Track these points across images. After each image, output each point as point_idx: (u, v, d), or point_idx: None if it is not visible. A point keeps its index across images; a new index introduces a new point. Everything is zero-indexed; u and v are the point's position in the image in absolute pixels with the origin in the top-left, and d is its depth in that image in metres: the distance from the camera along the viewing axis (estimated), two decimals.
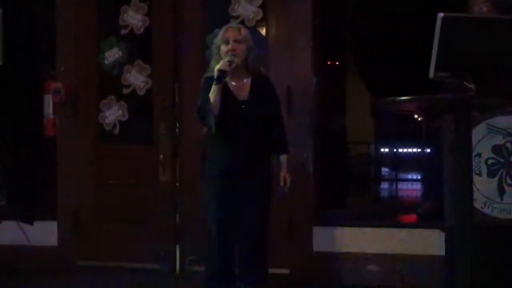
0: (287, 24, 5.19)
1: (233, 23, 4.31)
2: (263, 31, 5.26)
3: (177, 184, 5.39)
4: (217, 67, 3.87)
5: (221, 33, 4.09)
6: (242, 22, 5.17)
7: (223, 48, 4.00)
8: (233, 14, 5.23)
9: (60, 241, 5.55)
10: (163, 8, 5.40)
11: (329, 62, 6.87)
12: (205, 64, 5.19)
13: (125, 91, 5.50)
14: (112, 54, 5.53)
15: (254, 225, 4.09)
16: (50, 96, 5.54)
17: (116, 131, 5.54)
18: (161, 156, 5.34)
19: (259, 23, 5.24)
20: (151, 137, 5.45)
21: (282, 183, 4.20)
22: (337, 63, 7.39)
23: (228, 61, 3.90)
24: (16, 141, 5.89)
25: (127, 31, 5.49)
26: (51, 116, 5.56)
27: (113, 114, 5.52)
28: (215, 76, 3.86)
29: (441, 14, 2.73)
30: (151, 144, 5.43)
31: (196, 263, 5.25)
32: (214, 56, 4.08)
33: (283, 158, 4.22)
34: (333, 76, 6.89)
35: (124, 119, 5.53)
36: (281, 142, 4.22)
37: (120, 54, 5.52)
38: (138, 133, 5.69)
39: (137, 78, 5.46)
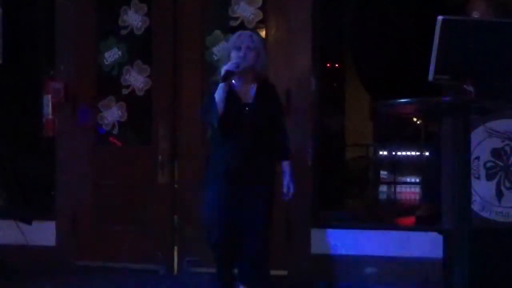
0: (286, 26, 5.19)
1: (247, 30, 4.37)
2: (262, 33, 5.26)
3: (176, 185, 5.39)
4: (225, 67, 3.97)
5: (233, 39, 4.19)
6: (242, 24, 5.18)
7: (234, 53, 4.10)
8: (233, 15, 5.23)
9: (58, 241, 5.54)
10: (163, 9, 5.40)
11: (328, 65, 6.87)
12: (205, 65, 5.23)
13: (125, 91, 5.50)
14: (112, 55, 5.52)
15: (257, 225, 4.14)
16: (49, 96, 5.54)
17: (115, 131, 5.53)
18: (160, 157, 5.34)
19: (259, 24, 5.24)
20: (150, 138, 5.45)
21: (285, 190, 4.26)
22: (336, 65, 7.39)
23: (236, 62, 3.99)
24: (15, 141, 5.89)
25: (127, 31, 5.49)
26: (50, 116, 5.56)
27: (112, 114, 5.52)
28: (221, 76, 3.96)
29: (440, 17, 2.73)
30: (150, 145, 5.42)
31: (194, 265, 5.25)
32: (224, 60, 4.18)
33: (286, 165, 4.27)
34: (332, 78, 6.90)
35: (123, 119, 5.53)
36: (283, 148, 4.29)
37: (120, 54, 5.51)
38: (137, 134, 5.69)
39: (136, 79, 5.46)
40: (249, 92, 4.17)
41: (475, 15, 4.13)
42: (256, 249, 4.16)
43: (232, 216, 4.14)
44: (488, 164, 3.96)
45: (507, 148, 3.96)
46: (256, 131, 4.12)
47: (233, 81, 4.10)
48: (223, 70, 3.98)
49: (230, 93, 4.05)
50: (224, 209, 4.15)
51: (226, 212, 4.15)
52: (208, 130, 4.53)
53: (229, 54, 4.16)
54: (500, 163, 3.96)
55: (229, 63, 4.02)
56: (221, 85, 3.99)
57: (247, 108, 4.12)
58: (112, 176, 5.48)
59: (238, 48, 4.10)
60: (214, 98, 4.01)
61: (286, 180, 4.27)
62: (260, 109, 4.14)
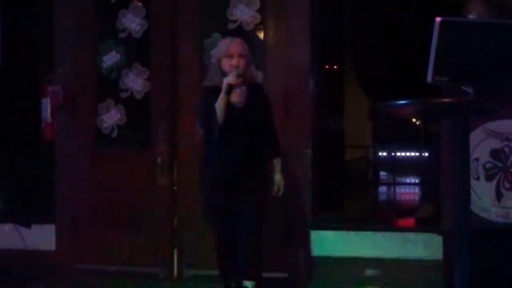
0: (285, 28, 5.19)
1: (236, 38, 4.45)
2: (261, 35, 5.27)
3: (175, 188, 5.38)
4: (227, 80, 4.12)
5: (224, 46, 4.30)
6: (240, 26, 5.18)
7: (227, 61, 4.22)
8: (231, 18, 5.23)
9: (58, 245, 5.53)
10: (162, 11, 5.40)
11: (327, 66, 6.87)
12: (203, 68, 5.23)
13: (123, 94, 5.50)
14: (110, 58, 5.52)
15: (251, 224, 4.28)
16: (48, 99, 5.53)
17: (114, 134, 5.53)
18: (159, 159, 5.34)
19: (257, 27, 5.25)
20: (149, 140, 5.44)
21: (276, 188, 4.43)
22: (335, 66, 7.39)
23: (237, 75, 4.14)
24: (14, 145, 5.89)
25: (125, 34, 5.49)
26: (49, 120, 5.55)
27: (111, 117, 5.51)
28: (225, 89, 4.11)
29: (438, 18, 2.73)
30: (149, 148, 5.42)
31: (194, 267, 5.25)
32: (214, 67, 4.33)
33: (277, 162, 4.44)
34: (331, 79, 6.89)
35: (122, 122, 5.52)
36: (274, 146, 4.45)
37: (118, 57, 5.51)
38: (136, 137, 5.68)
39: (135, 82, 5.46)
40: (240, 96, 4.29)
41: (472, 16, 4.13)
42: (250, 248, 4.29)
43: (230, 217, 4.31)
44: (488, 165, 3.97)
45: (506, 149, 3.96)
46: (249, 133, 4.25)
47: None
48: (224, 82, 4.12)
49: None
50: (223, 211, 4.32)
51: (224, 213, 4.32)
52: (199, 131, 4.64)
53: (219, 60, 4.28)
54: (499, 164, 3.96)
55: (229, 76, 4.14)
56: (222, 96, 4.12)
57: (239, 113, 4.24)
58: (111, 179, 5.47)
59: (231, 56, 4.22)
60: (212, 108, 4.13)
61: (278, 176, 4.43)
62: (253, 112, 4.27)
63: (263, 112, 4.36)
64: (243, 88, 4.30)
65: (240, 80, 4.17)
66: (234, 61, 4.20)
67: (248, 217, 4.27)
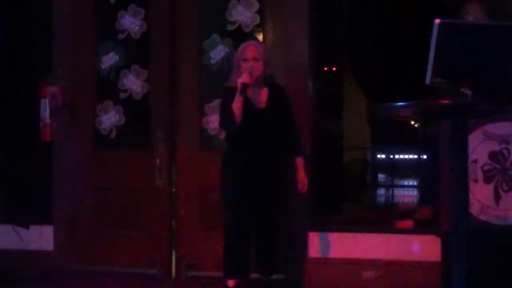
0: (284, 29, 5.19)
1: (252, 41, 4.66)
2: (260, 36, 5.27)
3: (173, 189, 5.38)
4: (240, 80, 4.29)
5: (240, 50, 4.49)
6: (239, 28, 5.18)
7: (243, 64, 4.41)
8: (230, 19, 5.23)
9: (56, 246, 5.53)
10: (160, 13, 5.40)
11: (326, 68, 6.87)
12: (202, 69, 5.24)
13: (122, 95, 5.49)
14: (109, 59, 5.52)
15: (269, 219, 4.52)
16: (47, 100, 5.53)
17: (113, 135, 5.52)
18: (158, 161, 5.33)
19: (256, 28, 5.25)
20: (148, 142, 5.44)
21: (300, 186, 4.58)
22: (334, 68, 7.39)
23: (249, 74, 4.30)
24: (12, 146, 5.88)
25: (124, 35, 5.48)
26: (48, 121, 5.54)
27: (110, 118, 5.51)
28: (239, 89, 4.27)
29: (437, 20, 2.73)
30: (148, 149, 5.42)
31: (192, 268, 5.25)
32: (235, 70, 4.49)
33: (300, 160, 4.59)
34: (330, 81, 6.89)
35: (120, 123, 5.52)
36: (295, 145, 4.61)
37: (117, 58, 5.51)
38: (134, 138, 5.68)
39: (134, 83, 5.46)
40: (260, 97, 4.46)
41: (469, 18, 4.13)
42: (269, 245, 4.57)
43: (244, 216, 4.46)
44: (486, 167, 3.97)
45: (505, 151, 3.96)
46: (269, 133, 4.43)
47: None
48: (239, 83, 4.27)
49: (245, 100, 4.32)
50: (238, 208, 4.44)
51: (239, 211, 4.44)
52: (220, 130, 4.86)
53: (238, 65, 4.44)
54: (498, 166, 3.97)
55: (242, 76, 4.29)
56: (238, 98, 4.26)
57: (261, 114, 4.42)
58: (109, 180, 5.47)
59: (246, 59, 4.40)
60: (231, 108, 4.28)
61: (301, 174, 4.57)
62: (273, 113, 4.44)
63: (284, 112, 4.51)
64: (264, 89, 4.45)
65: (251, 79, 4.28)
66: (249, 64, 4.36)
67: (267, 215, 4.48)
